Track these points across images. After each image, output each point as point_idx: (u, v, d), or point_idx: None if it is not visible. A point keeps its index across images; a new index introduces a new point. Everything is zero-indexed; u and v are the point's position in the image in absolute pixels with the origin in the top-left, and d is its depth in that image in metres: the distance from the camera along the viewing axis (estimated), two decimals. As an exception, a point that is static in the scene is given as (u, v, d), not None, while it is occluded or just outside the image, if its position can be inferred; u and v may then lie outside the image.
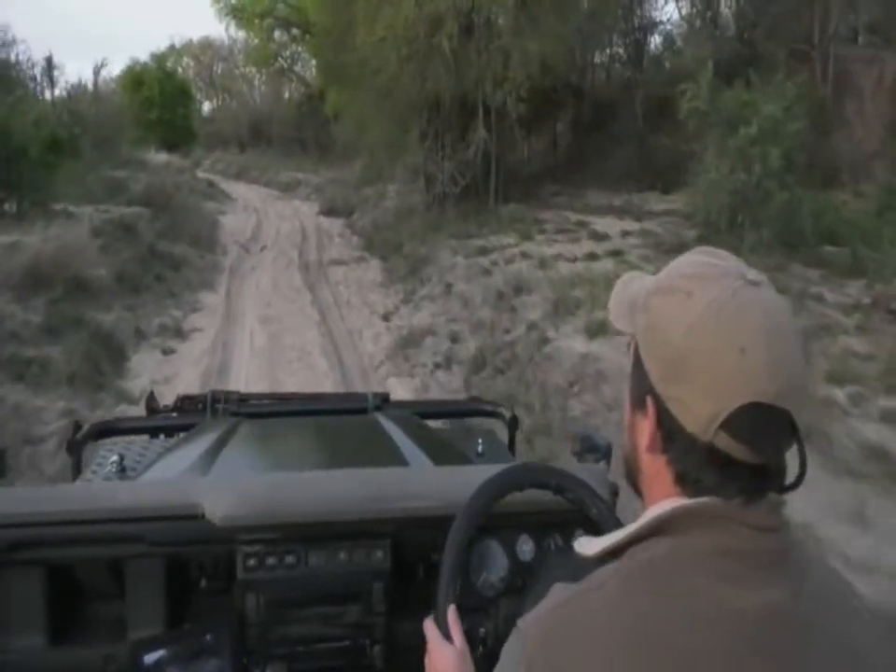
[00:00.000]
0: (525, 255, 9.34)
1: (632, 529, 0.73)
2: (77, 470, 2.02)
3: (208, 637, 1.24)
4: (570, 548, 0.94)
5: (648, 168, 15.55)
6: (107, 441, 2.17)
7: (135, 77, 29.92)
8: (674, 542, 0.69)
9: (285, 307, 9.32)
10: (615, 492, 1.35)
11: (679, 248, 9.68)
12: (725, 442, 0.66)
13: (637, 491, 0.79)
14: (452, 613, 0.99)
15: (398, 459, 1.67)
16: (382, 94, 12.96)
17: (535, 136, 18.68)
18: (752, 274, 0.69)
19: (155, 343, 7.48)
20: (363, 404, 2.22)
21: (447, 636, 0.98)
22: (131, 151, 23.66)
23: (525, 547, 1.34)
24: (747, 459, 0.67)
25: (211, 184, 25.55)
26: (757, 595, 0.65)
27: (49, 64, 22.73)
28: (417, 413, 2.23)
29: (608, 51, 19.87)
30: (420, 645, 1.00)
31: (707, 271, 0.70)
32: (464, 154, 12.43)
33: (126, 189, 14.07)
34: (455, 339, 7.46)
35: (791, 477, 0.71)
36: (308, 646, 1.29)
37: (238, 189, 26.92)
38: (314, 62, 34.79)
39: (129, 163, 20.29)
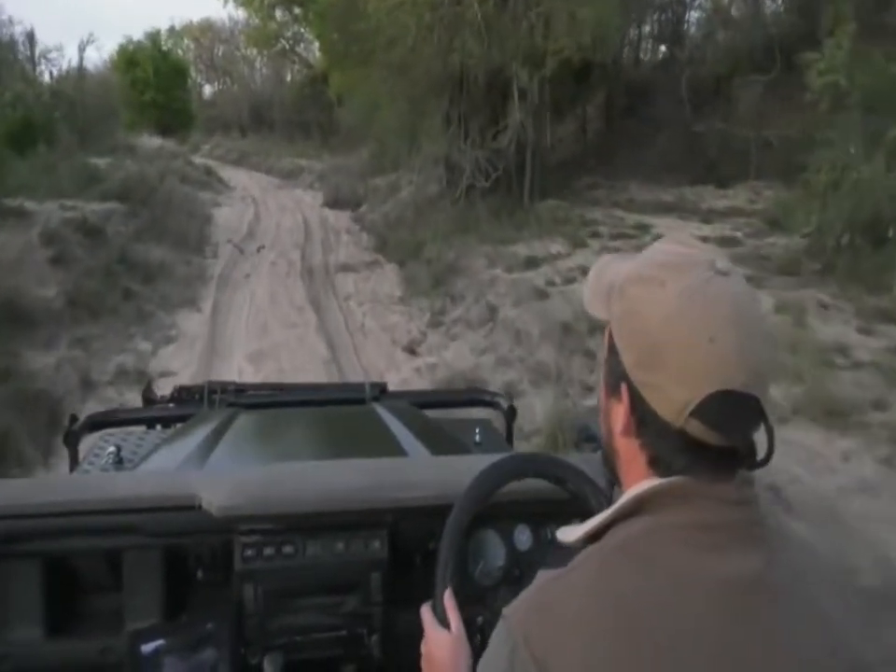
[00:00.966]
0: (585, 270, 7.22)
1: (609, 512, 0.72)
2: (73, 462, 1.94)
3: (206, 627, 1.20)
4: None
5: (694, 157, 13.39)
6: (104, 431, 2.05)
7: (128, 57, 27.50)
8: (649, 519, 0.68)
9: (283, 335, 7.21)
10: (612, 482, 1.19)
11: (792, 270, 7.65)
12: (696, 428, 0.66)
13: (614, 475, 0.78)
14: (449, 599, 0.98)
15: (395, 449, 1.62)
16: (397, 71, 10.79)
17: (559, 121, 16.50)
18: (721, 264, 0.69)
19: (107, 398, 5.37)
20: (361, 394, 2.13)
21: (444, 621, 0.96)
22: (121, 136, 21.55)
23: (523, 537, 1.30)
24: (717, 443, 0.67)
25: (208, 171, 23.27)
26: (732, 564, 0.64)
27: (31, 41, 20.41)
28: (415, 403, 2.14)
29: (637, 28, 17.63)
30: (418, 634, 0.99)
31: (680, 260, 0.70)
32: (495, 142, 10.25)
33: (104, 179, 11.91)
34: (512, 394, 5.36)
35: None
36: (306, 636, 1.25)
37: (237, 177, 24.66)
38: (316, 42, 32.98)
39: (115, 150, 18.12)
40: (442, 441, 1.76)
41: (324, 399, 2.20)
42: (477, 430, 1.97)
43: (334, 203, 17.31)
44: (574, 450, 1.46)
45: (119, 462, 1.78)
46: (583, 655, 0.62)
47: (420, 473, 1.35)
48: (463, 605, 0.98)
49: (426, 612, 0.98)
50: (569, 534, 0.77)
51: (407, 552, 1.32)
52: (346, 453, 1.54)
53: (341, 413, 2.05)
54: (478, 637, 1.03)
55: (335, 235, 13.32)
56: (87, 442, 2.04)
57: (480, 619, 1.15)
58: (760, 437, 0.70)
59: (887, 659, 0.70)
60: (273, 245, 11.94)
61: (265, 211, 16.05)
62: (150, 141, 22.51)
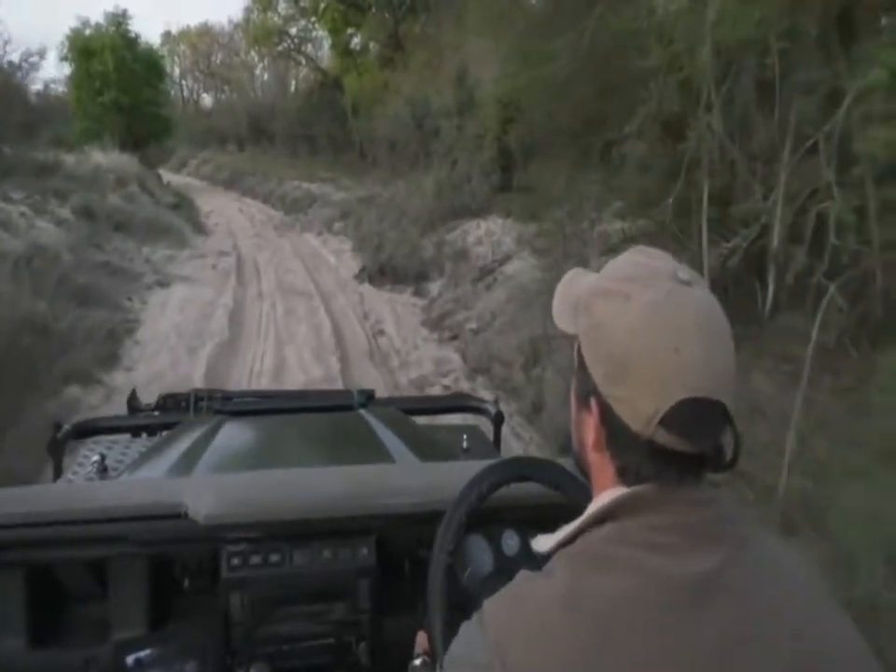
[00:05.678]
0: None
1: (579, 522, 0.69)
2: (58, 471, 1.78)
3: (192, 636, 1.12)
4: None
5: None
6: (89, 440, 1.89)
7: (82, 45, 19.06)
8: (615, 525, 0.65)
9: None
10: None
11: None
12: (664, 437, 0.62)
13: (590, 483, 0.74)
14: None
15: (383, 456, 1.51)
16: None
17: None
18: (683, 273, 0.65)
19: None
20: (348, 401, 1.95)
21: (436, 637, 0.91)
22: (48, 148, 13.45)
23: (511, 542, 1.17)
24: (685, 450, 0.63)
25: (179, 201, 14.91)
26: (692, 564, 0.61)
27: None
28: (403, 410, 1.96)
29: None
30: (406, 641, 0.96)
31: (643, 272, 0.66)
32: None
33: None
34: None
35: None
36: (293, 644, 1.17)
37: (222, 208, 16.32)
38: (327, 41, 25.25)
39: (10, 172, 9.95)
40: (430, 448, 1.62)
41: (312, 406, 1.98)
42: (465, 436, 1.81)
43: (380, 272, 9.04)
44: (561, 456, 1.27)
45: (103, 470, 1.61)
46: (544, 651, 0.59)
47: (408, 480, 1.27)
48: (451, 610, 0.91)
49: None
50: (543, 543, 0.73)
51: (395, 558, 1.23)
52: (334, 459, 1.45)
53: (329, 419, 1.87)
54: None
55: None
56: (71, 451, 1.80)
57: None
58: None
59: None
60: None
61: (255, 298, 7.71)
62: (96, 157, 14.13)
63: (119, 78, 18.86)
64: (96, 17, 19.83)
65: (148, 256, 9.29)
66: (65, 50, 19.40)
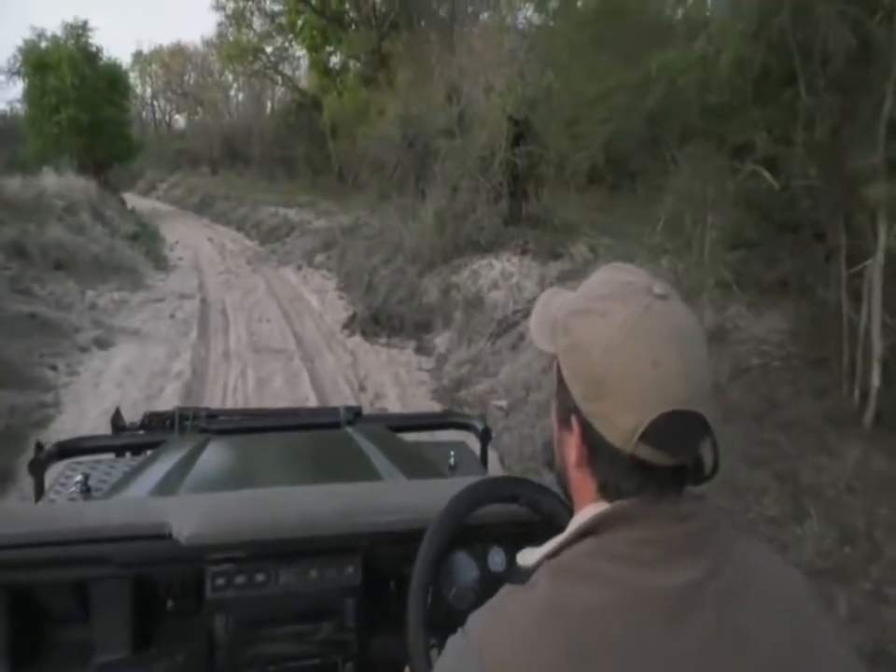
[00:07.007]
0: None
1: (562, 537, 0.69)
2: (39, 491, 1.71)
3: (176, 659, 1.08)
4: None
5: None
6: (71, 460, 1.81)
7: (39, 59, 17.31)
8: (596, 540, 0.66)
9: None
10: None
11: None
12: (645, 452, 0.62)
13: (570, 501, 0.74)
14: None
15: (370, 473, 1.49)
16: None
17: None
18: (659, 288, 0.65)
19: None
20: (335, 419, 1.91)
21: (419, 654, 0.88)
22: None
23: (497, 559, 1.18)
24: (666, 463, 0.63)
25: (137, 233, 13.20)
26: (672, 576, 0.61)
27: None
28: (390, 427, 1.96)
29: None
30: (392, 660, 0.94)
31: (619, 290, 0.66)
32: None
33: None
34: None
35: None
36: (279, 665, 1.12)
37: (190, 236, 14.64)
38: (305, 60, 24.02)
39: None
40: (417, 465, 1.60)
41: (298, 424, 1.93)
42: (452, 453, 1.79)
43: (373, 320, 7.46)
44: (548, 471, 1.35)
45: (86, 491, 1.57)
46: (525, 662, 0.59)
47: (395, 497, 1.24)
48: (437, 629, 0.88)
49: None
50: (528, 557, 0.73)
51: (381, 576, 1.19)
52: (321, 478, 1.40)
53: (315, 437, 1.82)
54: None
55: None
56: (54, 471, 1.76)
57: None
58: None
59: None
60: None
61: (219, 362, 6.05)
62: (45, 180, 12.39)
63: (78, 95, 17.15)
64: (53, 28, 18.07)
65: (93, 301, 7.61)
66: (18, 64, 17.60)
